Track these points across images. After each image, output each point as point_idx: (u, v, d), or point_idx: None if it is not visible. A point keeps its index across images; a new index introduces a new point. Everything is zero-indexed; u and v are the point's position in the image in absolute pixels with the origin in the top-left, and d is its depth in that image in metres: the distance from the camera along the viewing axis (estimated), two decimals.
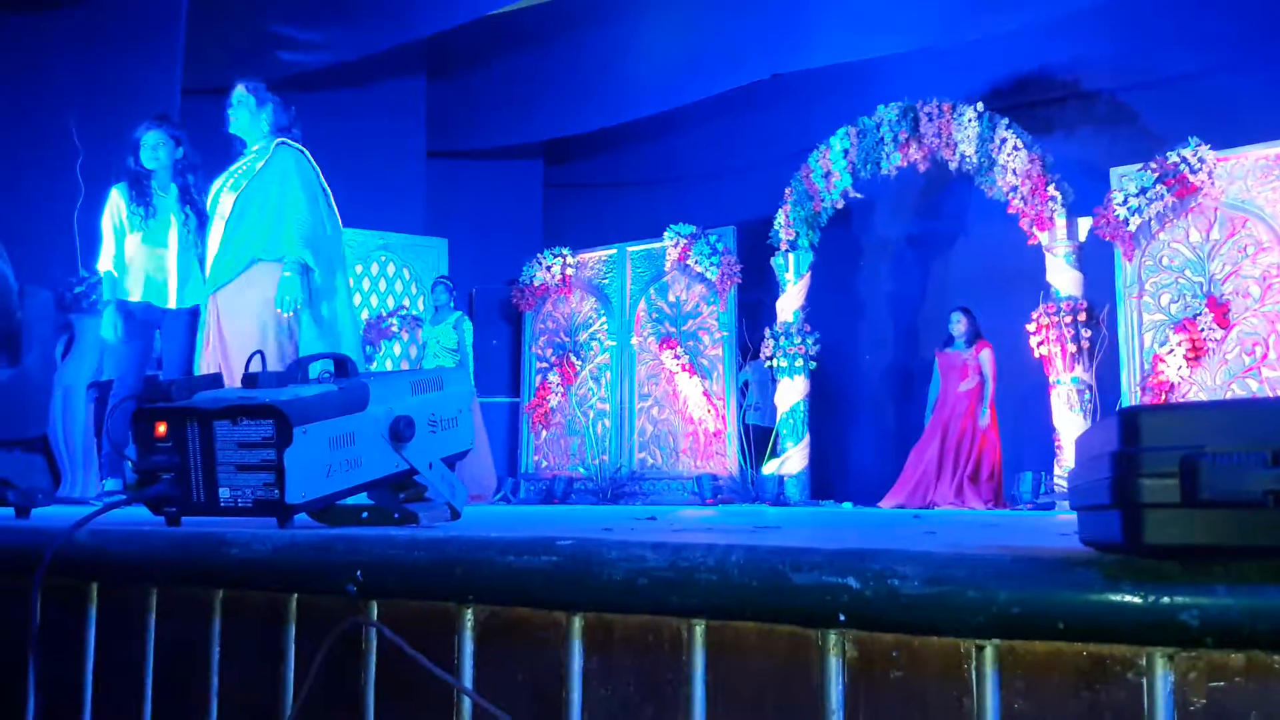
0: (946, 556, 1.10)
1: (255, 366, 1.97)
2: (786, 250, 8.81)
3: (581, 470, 9.61)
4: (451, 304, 8.17)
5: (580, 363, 9.83)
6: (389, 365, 9.41)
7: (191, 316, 4.71)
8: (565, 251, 9.92)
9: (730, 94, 9.12)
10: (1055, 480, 7.30)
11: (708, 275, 9.14)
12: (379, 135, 9.71)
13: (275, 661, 1.54)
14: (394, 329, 9.46)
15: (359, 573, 1.45)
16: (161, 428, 1.82)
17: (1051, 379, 7.53)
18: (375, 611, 1.47)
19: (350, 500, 1.95)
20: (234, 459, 1.77)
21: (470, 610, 1.41)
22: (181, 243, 4.81)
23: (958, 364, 7.91)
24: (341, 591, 1.47)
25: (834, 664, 1.17)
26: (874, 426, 9.65)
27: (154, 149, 4.80)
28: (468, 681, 1.39)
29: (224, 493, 1.78)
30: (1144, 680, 1.02)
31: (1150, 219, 7.30)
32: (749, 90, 9.05)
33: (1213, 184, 7.12)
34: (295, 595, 1.54)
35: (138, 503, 1.81)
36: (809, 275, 8.84)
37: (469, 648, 1.40)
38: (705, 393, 9.14)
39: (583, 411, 9.80)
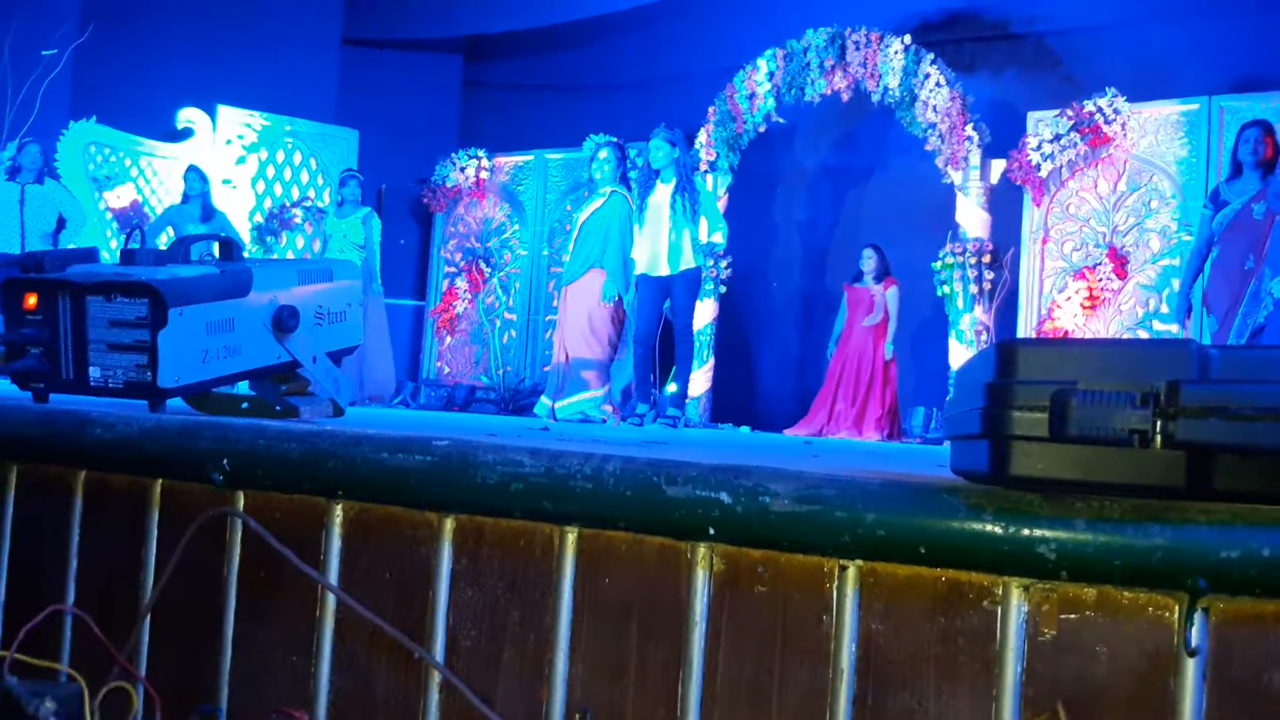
0: (817, 477, 1.10)
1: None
2: (706, 171, 8.76)
3: (484, 380, 9.55)
4: (360, 199, 7.95)
5: (489, 270, 9.70)
6: (290, 256, 9.17)
7: (686, 280, 5.91)
8: (481, 153, 9.70)
9: (661, 3, 8.96)
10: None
11: None
12: (293, 17, 9.33)
13: (136, 547, 1.50)
14: (297, 219, 9.19)
15: (225, 461, 1.41)
16: (32, 299, 1.74)
17: (950, 318, 7.66)
18: (242, 502, 1.43)
19: (230, 390, 1.90)
20: (106, 337, 1.70)
21: (340, 506, 1.38)
22: (674, 222, 5.89)
23: (865, 299, 7.99)
24: (207, 480, 1.42)
25: (701, 576, 1.17)
26: (777, 353, 9.74)
27: (655, 150, 5.95)
28: (334, 578, 1.37)
29: (94, 371, 1.71)
30: (999, 609, 1.04)
31: (1062, 166, 7.40)
32: (680, 1, 8.90)
33: (1125, 136, 7.24)
34: (160, 481, 1.50)
35: (2, 376, 1.74)
36: (726, 198, 8.81)
37: (336, 544, 1.38)
38: None
39: (489, 320, 9.71)
